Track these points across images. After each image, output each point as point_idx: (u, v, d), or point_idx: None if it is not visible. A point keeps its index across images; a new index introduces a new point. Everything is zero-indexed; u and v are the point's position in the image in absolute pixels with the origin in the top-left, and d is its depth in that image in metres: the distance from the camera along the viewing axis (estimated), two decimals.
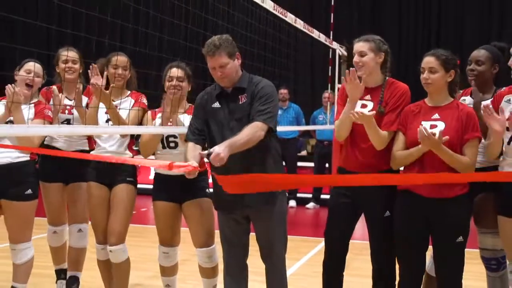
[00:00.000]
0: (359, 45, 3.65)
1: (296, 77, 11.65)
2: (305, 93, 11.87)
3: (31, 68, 4.14)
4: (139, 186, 4.32)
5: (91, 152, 4.33)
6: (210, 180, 3.85)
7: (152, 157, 4.27)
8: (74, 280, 4.67)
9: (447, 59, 3.46)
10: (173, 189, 4.02)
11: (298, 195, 10.10)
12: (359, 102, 3.61)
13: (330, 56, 9.04)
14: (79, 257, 4.63)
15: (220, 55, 3.46)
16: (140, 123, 4.23)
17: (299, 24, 6.75)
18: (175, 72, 4.12)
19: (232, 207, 3.58)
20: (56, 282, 4.78)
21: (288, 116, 9.94)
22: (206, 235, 4.10)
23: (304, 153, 11.50)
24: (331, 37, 8.73)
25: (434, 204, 3.41)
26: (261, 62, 6.85)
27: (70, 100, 4.49)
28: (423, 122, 3.45)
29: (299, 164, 10.44)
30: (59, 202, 4.60)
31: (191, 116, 3.78)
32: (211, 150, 3.19)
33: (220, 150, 3.16)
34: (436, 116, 3.48)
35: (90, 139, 4.53)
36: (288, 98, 10.08)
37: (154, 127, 4.08)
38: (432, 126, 3.37)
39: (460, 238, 3.43)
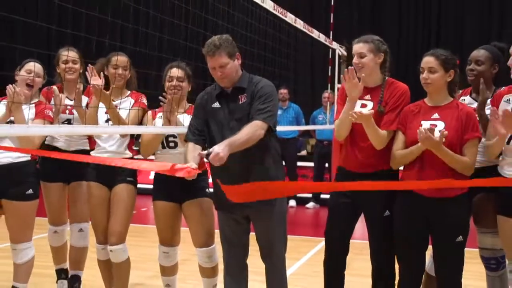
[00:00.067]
0: (358, 46, 3.65)
1: (296, 77, 11.65)
2: (305, 93, 11.88)
3: (32, 68, 4.15)
4: (139, 186, 4.33)
5: (91, 152, 4.33)
6: (210, 180, 3.86)
7: (152, 157, 4.28)
8: (76, 279, 4.68)
9: (447, 59, 3.47)
10: (173, 189, 4.02)
11: (298, 195, 10.10)
12: (359, 102, 3.62)
13: (330, 56, 9.05)
14: (80, 256, 4.65)
15: (220, 55, 3.46)
16: (140, 123, 4.23)
17: (299, 24, 6.76)
18: (175, 72, 4.13)
19: (232, 207, 3.58)
20: (57, 282, 4.78)
21: (288, 116, 9.95)
22: (206, 235, 4.10)
23: (304, 153, 11.50)
24: (331, 37, 8.73)
25: (434, 203, 3.41)
26: (261, 62, 6.85)
27: (71, 100, 4.49)
28: (422, 122, 3.46)
29: (299, 164, 10.44)
30: (59, 202, 4.60)
31: (191, 116, 3.79)
32: (211, 150, 3.19)
33: (220, 149, 3.16)
34: (436, 115, 3.49)
35: (91, 139, 4.53)
36: (288, 98, 10.09)
37: (154, 127, 4.08)
38: (432, 126, 3.37)
39: (460, 238, 3.44)
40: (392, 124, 3.58)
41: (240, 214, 3.62)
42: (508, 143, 3.44)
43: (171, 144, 4.13)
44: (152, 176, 4.42)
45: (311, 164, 10.30)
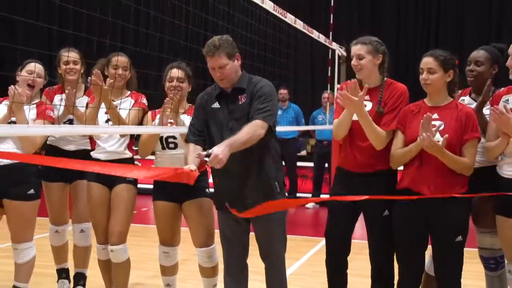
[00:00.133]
0: (357, 48, 3.66)
1: (295, 77, 11.67)
2: (305, 93, 11.88)
3: (33, 68, 4.15)
4: (139, 186, 4.32)
5: (91, 153, 4.34)
6: (210, 180, 3.87)
7: (152, 157, 4.29)
8: (81, 277, 4.71)
9: (446, 59, 3.48)
10: (173, 189, 4.02)
11: (298, 194, 10.12)
12: None
13: (330, 57, 9.05)
14: (84, 254, 4.66)
15: (220, 55, 3.46)
16: (140, 123, 4.24)
17: (299, 24, 6.77)
18: (175, 72, 4.14)
19: (231, 207, 3.60)
20: (58, 282, 4.80)
21: (287, 116, 9.96)
22: (206, 235, 4.11)
23: (303, 153, 11.51)
24: (330, 37, 8.74)
25: (434, 204, 3.42)
26: (261, 62, 6.86)
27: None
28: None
29: (299, 164, 10.45)
30: (61, 201, 4.61)
31: (192, 117, 3.80)
32: (210, 151, 3.18)
33: (219, 151, 3.15)
34: (436, 116, 3.48)
35: (91, 139, 4.54)
36: (288, 98, 10.10)
37: (154, 127, 4.09)
38: (432, 126, 3.38)
39: (460, 238, 3.44)
40: (391, 124, 3.59)
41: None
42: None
43: (171, 145, 4.14)
44: None
45: (311, 164, 10.32)
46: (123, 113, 4.13)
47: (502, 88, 3.63)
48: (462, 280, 3.54)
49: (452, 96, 3.59)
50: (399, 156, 3.55)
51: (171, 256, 4.26)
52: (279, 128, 3.60)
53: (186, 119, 4.06)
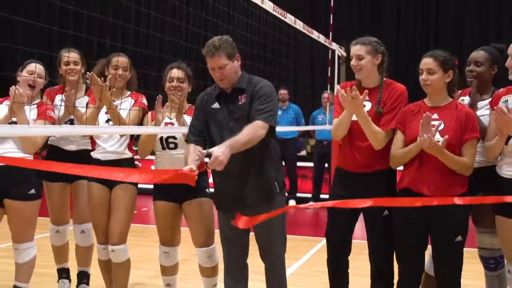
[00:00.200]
0: (356, 49, 3.67)
1: (295, 78, 11.68)
2: (305, 93, 11.89)
3: (33, 69, 4.16)
4: (139, 186, 4.31)
5: (92, 153, 4.34)
6: (211, 180, 3.88)
7: (152, 157, 4.29)
8: (84, 275, 4.73)
9: (445, 59, 3.48)
10: (173, 189, 4.02)
11: (298, 195, 10.14)
12: None
13: (330, 57, 9.06)
14: (86, 254, 4.68)
15: (220, 56, 3.47)
16: (140, 123, 4.24)
17: (299, 25, 6.77)
18: (175, 73, 4.14)
19: (231, 207, 3.59)
20: (58, 282, 4.81)
21: (287, 117, 9.97)
22: (206, 235, 4.12)
23: (303, 153, 11.52)
24: (330, 38, 8.75)
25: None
26: (261, 63, 6.87)
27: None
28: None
29: (299, 164, 10.46)
30: (62, 201, 4.62)
31: (192, 117, 3.81)
32: (210, 150, 3.18)
33: (219, 152, 3.14)
34: (435, 116, 3.49)
35: (92, 139, 4.55)
36: (288, 98, 10.11)
37: (154, 128, 4.09)
38: (431, 126, 3.39)
39: (459, 238, 3.45)
40: (390, 124, 3.60)
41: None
42: (506, 143, 3.45)
43: (171, 145, 4.14)
44: None
45: (311, 164, 10.33)
46: (123, 113, 4.14)
47: (502, 89, 3.64)
48: (462, 280, 3.55)
49: (452, 96, 3.59)
50: (399, 156, 3.55)
51: (171, 256, 4.27)
52: (279, 128, 3.61)
53: (186, 119, 4.07)
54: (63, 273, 4.80)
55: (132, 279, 4.44)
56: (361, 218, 3.79)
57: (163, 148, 4.16)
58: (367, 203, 3.23)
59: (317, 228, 8.18)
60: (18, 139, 4.06)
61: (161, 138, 4.14)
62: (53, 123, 4.22)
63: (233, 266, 3.73)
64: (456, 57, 3.58)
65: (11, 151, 4.07)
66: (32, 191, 4.12)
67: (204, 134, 3.63)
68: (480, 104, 3.80)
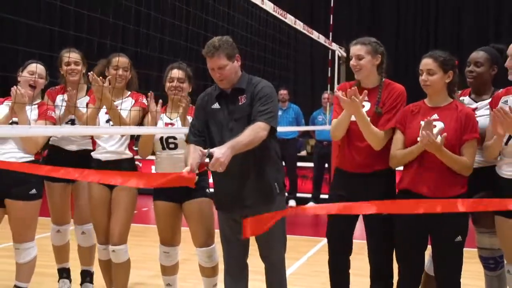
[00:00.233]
0: (356, 49, 3.68)
1: (295, 78, 11.69)
2: (305, 93, 11.90)
3: (34, 69, 4.17)
4: None
5: (92, 153, 4.35)
6: (211, 180, 3.88)
7: (153, 157, 4.30)
8: (87, 274, 4.75)
9: (445, 60, 3.49)
10: (174, 189, 3.99)
11: (298, 195, 10.15)
12: None
13: (330, 57, 9.07)
14: (88, 254, 4.70)
15: (219, 56, 3.47)
16: (141, 123, 4.25)
17: (299, 25, 6.78)
18: (176, 73, 4.15)
19: (231, 207, 3.61)
20: (58, 281, 4.82)
21: (287, 117, 9.98)
22: (206, 235, 4.12)
23: (303, 153, 11.52)
24: (330, 38, 8.76)
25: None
26: (261, 63, 6.87)
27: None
28: (422, 123, 3.47)
29: (299, 164, 10.47)
30: (63, 201, 4.62)
31: (192, 118, 3.81)
32: (212, 151, 3.18)
33: (220, 153, 3.15)
34: (435, 116, 3.50)
35: (93, 140, 4.55)
36: (288, 98, 10.12)
37: (154, 128, 4.10)
38: (432, 126, 3.39)
39: (459, 238, 3.45)
40: (388, 124, 3.60)
41: (239, 214, 3.61)
42: (506, 143, 3.46)
43: (171, 146, 4.15)
44: None
45: (311, 164, 10.34)
46: (124, 113, 4.15)
47: (501, 90, 3.65)
48: (461, 280, 3.55)
49: (452, 96, 3.59)
50: (399, 157, 3.55)
51: (172, 256, 4.28)
52: (279, 129, 3.61)
53: (187, 119, 4.08)
54: (64, 273, 4.81)
55: (133, 279, 4.45)
56: (360, 217, 3.80)
57: (163, 148, 4.17)
58: (371, 209, 3.17)
59: (317, 228, 8.18)
60: (19, 139, 4.07)
61: (161, 138, 4.15)
62: (54, 124, 4.23)
63: (233, 266, 3.74)
64: (456, 57, 3.58)
65: (12, 151, 4.09)
66: (33, 191, 4.13)
67: (204, 134, 3.64)
68: (480, 104, 3.82)
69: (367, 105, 3.65)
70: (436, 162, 3.41)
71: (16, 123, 4.01)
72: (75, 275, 4.88)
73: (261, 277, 3.76)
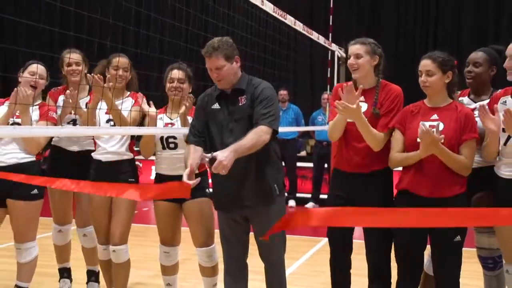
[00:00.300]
0: (355, 48, 3.68)
1: (295, 79, 11.70)
2: (305, 94, 11.91)
3: (35, 70, 4.17)
4: None
5: (92, 154, 4.35)
6: (210, 180, 3.90)
7: (153, 157, 4.31)
8: (92, 273, 4.76)
9: (444, 61, 3.49)
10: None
11: (298, 195, 10.16)
12: None
13: (329, 58, 9.08)
14: (92, 254, 4.70)
15: (217, 57, 3.48)
16: (141, 123, 4.26)
17: (299, 26, 6.79)
18: (176, 73, 4.16)
19: (231, 208, 3.62)
20: (59, 281, 4.83)
21: (287, 117, 9.99)
22: (206, 234, 4.13)
23: (303, 153, 11.52)
24: (330, 39, 8.77)
25: (434, 203, 3.40)
26: (261, 64, 6.88)
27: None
28: (422, 123, 3.48)
29: (299, 164, 10.47)
30: (65, 202, 4.63)
31: (192, 118, 3.82)
32: (215, 155, 3.20)
33: (223, 157, 3.16)
34: (435, 117, 3.51)
35: (95, 140, 4.56)
36: (288, 99, 10.13)
37: (155, 128, 4.11)
38: (431, 127, 3.40)
39: (458, 238, 3.46)
40: (388, 125, 3.61)
41: (239, 214, 3.64)
42: (504, 144, 3.47)
43: (171, 145, 4.16)
44: (153, 176, 4.44)
45: (311, 164, 10.34)
46: (124, 114, 4.15)
47: (499, 90, 3.66)
48: (460, 280, 3.56)
49: (451, 97, 3.60)
50: (398, 160, 3.55)
51: (172, 255, 4.29)
52: (279, 129, 3.62)
53: (187, 120, 4.09)
54: (65, 273, 4.82)
55: (133, 278, 4.46)
56: None
57: (163, 148, 4.18)
58: (367, 222, 3.04)
59: (317, 228, 8.18)
60: (21, 139, 4.08)
61: (161, 138, 4.16)
62: (55, 124, 4.24)
63: (233, 266, 3.74)
64: (455, 57, 3.59)
65: (13, 152, 4.10)
66: (35, 191, 4.13)
67: (204, 134, 3.64)
68: (479, 104, 3.82)
69: (364, 106, 3.64)
70: (435, 162, 3.42)
71: (17, 123, 4.02)
72: (76, 274, 4.89)
73: (261, 277, 3.77)
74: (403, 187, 3.57)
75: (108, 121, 4.26)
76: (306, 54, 11.25)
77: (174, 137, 4.15)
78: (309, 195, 10.16)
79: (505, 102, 3.51)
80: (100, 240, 4.34)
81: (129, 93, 4.38)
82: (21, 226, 4.17)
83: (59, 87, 4.66)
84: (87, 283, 4.78)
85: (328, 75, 9.16)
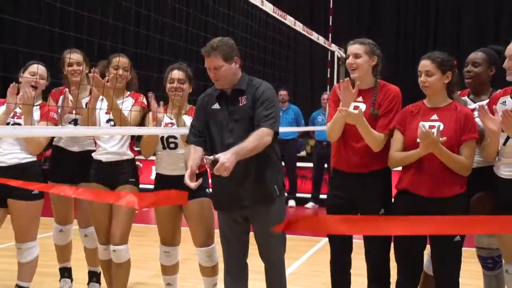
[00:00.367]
0: (354, 47, 3.69)
1: (295, 79, 11.70)
2: (304, 94, 11.92)
3: (35, 70, 4.18)
4: (140, 186, 4.35)
5: (93, 154, 4.35)
6: (210, 180, 3.90)
7: (153, 157, 4.32)
8: (93, 274, 4.77)
9: (443, 61, 3.50)
10: (174, 189, 4.04)
11: (298, 195, 10.17)
12: (352, 104, 3.62)
13: (329, 58, 9.08)
14: (93, 255, 4.70)
15: (216, 57, 3.48)
16: (141, 123, 4.27)
17: (298, 26, 6.79)
18: (176, 74, 4.16)
19: (231, 208, 3.62)
20: (60, 281, 4.83)
21: (287, 117, 10.00)
22: (206, 234, 4.14)
23: (303, 153, 11.53)
24: (330, 39, 8.77)
25: (433, 203, 3.43)
26: (261, 64, 6.89)
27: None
28: (421, 123, 3.49)
29: (298, 164, 10.49)
30: (66, 202, 4.63)
31: (193, 118, 3.83)
32: (217, 157, 3.20)
33: (225, 159, 3.17)
34: (435, 117, 3.51)
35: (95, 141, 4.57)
36: (288, 99, 10.14)
37: (155, 128, 4.12)
38: (431, 127, 3.40)
39: (458, 237, 3.46)
40: (388, 126, 3.62)
41: (239, 215, 3.64)
42: (504, 144, 3.47)
43: (171, 145, 4.16)
44: (153, 176, 4.45)
45: (311, 164, 10.35)
46: (124, 114, 4.16)
47: (499, 90, 3.67)
48: (460, 279, 3.56)
49: (451, 97, 3.61)
50: (398, 159, 3.56)
51: (172, 255, 4.29)
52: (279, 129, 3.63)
53: (187, 120, 4.09)
54: (65, 273, 4.83)
55: (133, 278, 4.46)
56: None
57: (164, 148, 4.18)
58: (368, 231, 2.97)
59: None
60: (22, 140, 4.09)
61: (162, 137, 4.16)
62: (56, 125, 4.24)
63: (233, 266, 3.75)
64: (455, 57, 3.59)
65: (14, 152, 4.10)
66: (36, 191, 4.13)
67: (204, 134, 3.65)
68: (478, 105, 3.83)
69: (362, 107, 3.64)
70: (435, 162, 3.42)
71: (17, 124, 4.02)
72: (77, 274, 4.90)
73: (261, 277, 3.77)
74: (403, 187, 3.57)
75: (108, 121, 4.26)
76: (306, 55, 11.25)
77: (175, 137, 4.15)
78: (309, 195, 10.17)
79: (505, 102, 3.51)
80: (100, 240, 4.34)
81: (129, 93, 4.38)
82: (22, 226, 4.18)
83: (60, 88, 4.66)
84: (88, 283, 4.79)
85: (328, 76, 9.16)
